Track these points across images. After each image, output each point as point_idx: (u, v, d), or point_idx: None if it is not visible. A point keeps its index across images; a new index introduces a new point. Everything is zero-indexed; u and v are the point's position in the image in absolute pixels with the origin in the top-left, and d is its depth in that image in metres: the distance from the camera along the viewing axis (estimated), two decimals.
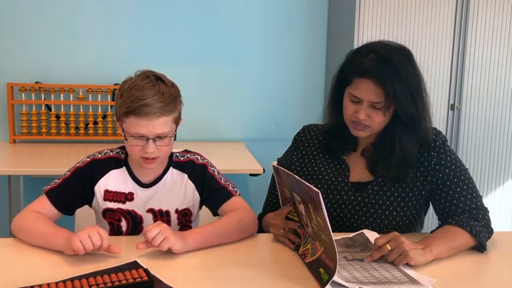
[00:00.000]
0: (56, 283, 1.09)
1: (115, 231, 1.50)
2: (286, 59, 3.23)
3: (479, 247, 1.37)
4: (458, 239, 1.35)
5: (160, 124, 1.36)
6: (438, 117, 2.92)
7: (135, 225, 1.49)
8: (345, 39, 2.87)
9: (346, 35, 2.84)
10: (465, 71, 2.89)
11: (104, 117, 3.04)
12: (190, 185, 1.50)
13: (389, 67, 1.37)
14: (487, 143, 2.99)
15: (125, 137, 1.40)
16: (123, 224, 1.49)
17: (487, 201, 3.02)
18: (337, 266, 1.07)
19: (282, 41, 3.21)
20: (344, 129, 1.51)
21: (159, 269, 1.19)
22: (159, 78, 1.39)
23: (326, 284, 1.10)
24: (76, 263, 1.22)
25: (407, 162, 1.46)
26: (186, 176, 1.50)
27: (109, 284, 1.09)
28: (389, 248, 1.24)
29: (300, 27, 3.21)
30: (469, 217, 1.39)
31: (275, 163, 1.62)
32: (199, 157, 1.54)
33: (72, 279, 1.10)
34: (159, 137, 1.37)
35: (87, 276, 1.13)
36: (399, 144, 1.45)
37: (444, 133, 2.92)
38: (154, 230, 1.24)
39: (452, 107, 2.92)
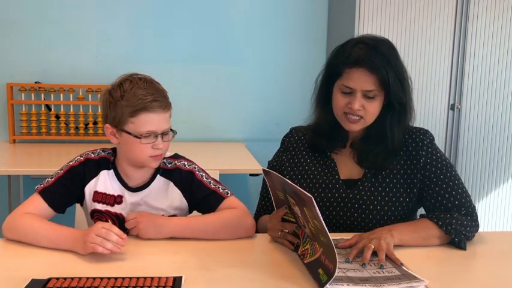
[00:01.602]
0: (87, 278, 1.11)
1: None
2: (286, 59, 3.23)
3: (454, 242, 1.39)
4: (424, 228, 1.40)
5: (166, 119, 1.42)
6: (438, 117, 2.92)
7: (122, 229, 1.48)
8: (345, 39, 2.87)
9: (346, 35, 2.84)
10: (465, 71, 2.89)
11: None
12: (177, 192, 1.50)
13: (379, 55, 1.41)
14: (487, 143, 2.99)
15: (128, 142, 1.40)
16: None
17: (486, 201, 3.03)
18: (337, 268, 1.07)
19: (282, 41, 3.21)
20: (333, 125, 1.52)
21: (158, 269, 1.20)
22: (150, 79, 1.43)
23: (325, 284, 1.10)
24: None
25: (394, 151, 1.49)
26: (171, 183, 1.50)
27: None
28: (373, 246, 1.26)
29: (300, 27, 3.21)
30: (447, 212, 1.43)
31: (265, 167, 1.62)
32: (186, 163, 1.52)
33: (101, 278, 1.12)
34: (165, 133, 1.42)
35: (116, 278, 1.12)
36: (391, 134, 1.48)
37: (444, 133, 2.97)
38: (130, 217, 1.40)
39: (452, 107, 2.92)
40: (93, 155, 1.49)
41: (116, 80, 1.43)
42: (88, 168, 1.47)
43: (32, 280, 1.10)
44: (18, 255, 1.28)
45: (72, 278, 1.11)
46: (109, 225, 1.26)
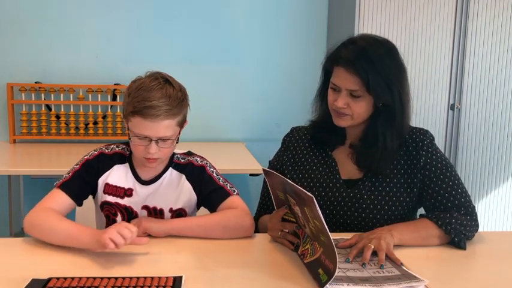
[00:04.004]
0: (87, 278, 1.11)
1: (110, 224, 1.51)
2: (286, 59, 3.23)
3: (454, 242, 1.39)
4: (424, 228, 1.40)
5: (164, 127, 1.38)
6: (438, 117, 2.92)
7: (130, 221, 1.50)
8: (344, 39, 2.87)
9: (346, 34, 2.84)
10: (465, 71, 2.89)
11: (104, 117, 3.05)
12: (188, 186, 1.52)
13: (364, 57, 1.42)
14: (487, 143, 2.99)
15: (129, 135, 1.43)
16: (118, 219, 1.51)
17: (486, 201, 3.03)
18: (337, 268, 1.07)
19: (282, 41, 3.21)
20: (331, 120, 1.54)
21: (158, 268, 1.20)
22: (167, 81, 1.42)
23: (325, 284, 1.10)
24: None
25: (387, 156, 1.49)
26: (184, 176, 1.52)
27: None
28: (373, 246, 1.27)
29: (300, 27, 3.21)
30: (447, 212, 1.43)
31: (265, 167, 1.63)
32: (198, 159, 1.56)
33: (101, 278, 1.12)
34: (162, 139, 1.40)
35: (116, 277, 1.12)
36: (382, 137, 1.48)
37: (444, 133, 2.97)
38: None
39: (452, 107, 2.92)
40: (107, 151, 1.53)
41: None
42: (102, 162, 1.51)
43: (32, 280, 1.10)
44: (18, 255, 1.28)
45: (72, 278, 1.11)
46: (131, 225, 1.26)
